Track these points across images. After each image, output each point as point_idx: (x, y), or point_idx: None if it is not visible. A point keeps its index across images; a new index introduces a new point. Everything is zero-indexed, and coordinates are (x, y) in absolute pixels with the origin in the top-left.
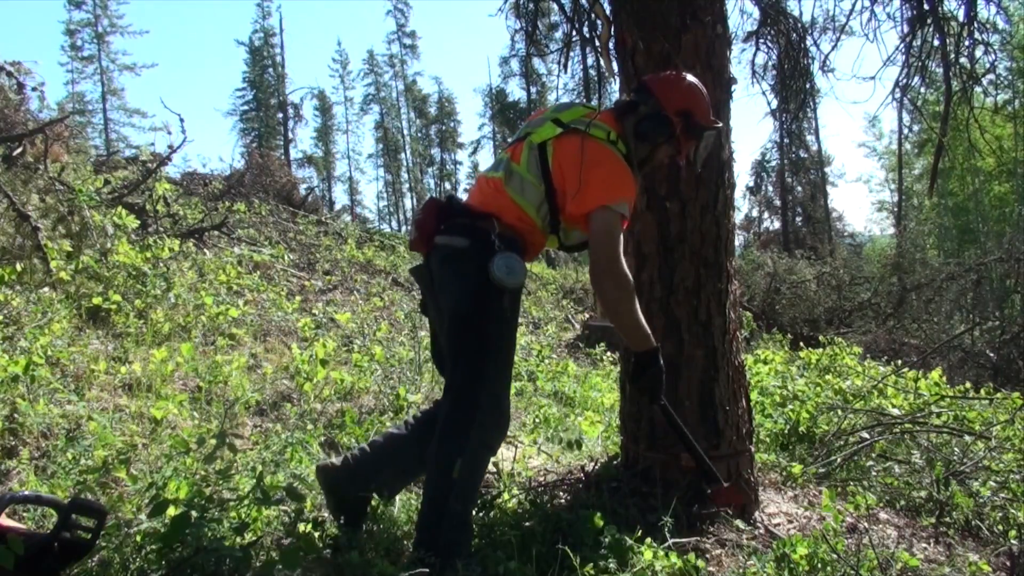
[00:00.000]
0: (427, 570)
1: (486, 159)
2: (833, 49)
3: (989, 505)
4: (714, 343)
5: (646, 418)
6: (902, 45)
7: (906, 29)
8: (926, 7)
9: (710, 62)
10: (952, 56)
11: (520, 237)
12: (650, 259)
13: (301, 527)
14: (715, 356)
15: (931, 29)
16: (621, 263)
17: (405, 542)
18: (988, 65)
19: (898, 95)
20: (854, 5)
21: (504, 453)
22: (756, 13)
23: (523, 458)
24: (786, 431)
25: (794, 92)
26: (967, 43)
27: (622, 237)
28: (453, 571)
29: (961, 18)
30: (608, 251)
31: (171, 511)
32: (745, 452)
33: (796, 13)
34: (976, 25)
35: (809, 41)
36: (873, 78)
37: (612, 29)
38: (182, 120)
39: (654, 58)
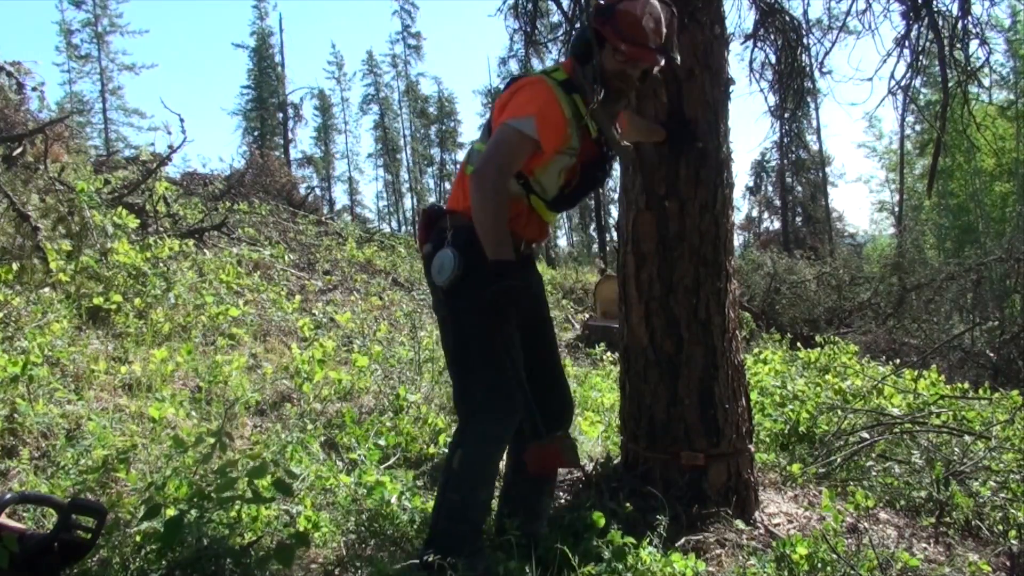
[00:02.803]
0: (426, 571)
1: None
2: (832, 47)
3: (989, 505)
4: (713, 341)
5: (646, 418)
6: (899, 40)
7: (901, 25)
8: (920, 1)
9: (708, 62)
10: (947, 50)
11: (467, 214)
12: (649, 258)
13: (301, 523)
14: (714, 355)
15: (925, 23)
16: (493, 170)
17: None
18: (983, 59)
19: (894, 87)
20: (852, 3)
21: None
22: (754, 14)
23: None
24: (786, 431)
25: (792, 91)
26: (961, 37)
27: (515, 152)
28: (453, 569)
29: (956, 12)
30: (488, 156)
31: (169, 511)
32: (745, 451)
33: (794, 13)
34: (970, 19)
35: (807, 39)
36: (871, 79)
37: None
38: (182, 120)
39: None
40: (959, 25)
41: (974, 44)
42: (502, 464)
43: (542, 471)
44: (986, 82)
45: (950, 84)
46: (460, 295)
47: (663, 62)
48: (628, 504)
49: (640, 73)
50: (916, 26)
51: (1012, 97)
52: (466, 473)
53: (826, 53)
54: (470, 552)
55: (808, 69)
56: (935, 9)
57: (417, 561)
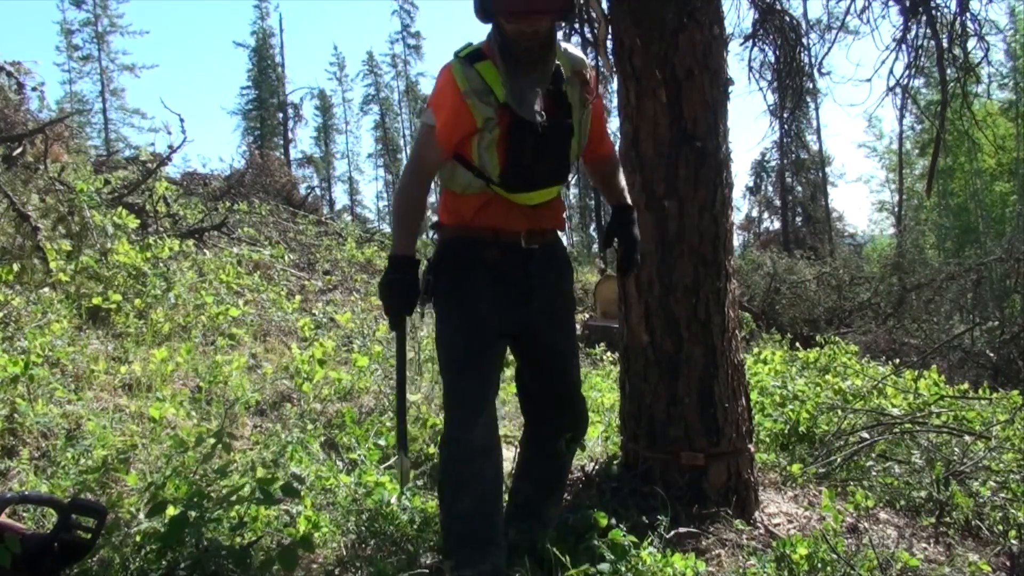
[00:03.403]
0: (426, 571)
1: None
2: (832, 46)
3: (989, 505)
4: (713, 341)
5: (646, 417)
6: (898, 38)
7: (900, 23)
8: None
9: (707, 63)
10: (945, 46)
11: (456, 224)
12: (649, 257)
13: (301, 524)
14: (714, 354)
15: (924, 20)
16: (409, 172)
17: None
18: (982, 54)
19: (894, 85)
20: (851, 2)
21: (504, 453)
22: (754, 13)
23: None
24: (786, 431)
25: (791, 90)
26: (960, 34)
27: (423, 146)
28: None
29: (954, 8)
30: (410, 157)
31: (170, 510)
32: (745, 450)
33: (794, 13)
34: (968, 16)
35: (807, 39)
36: (869, 80)
37: (609, 28)
38: (182, 120)
39: (652, 57)
40: (957, 22)
41: (972, 42)
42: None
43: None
44: (985, 79)
45: (950, 83)
46: (430, 299)
47: (560, 16)
48: (628, 504)
49: (547, 31)
50: (915, 25)
51: (1013, 97)
52: (445, 471)
53: (825, 53)
54: (468, 552)
55: (807, 68)
56: (933, 6)
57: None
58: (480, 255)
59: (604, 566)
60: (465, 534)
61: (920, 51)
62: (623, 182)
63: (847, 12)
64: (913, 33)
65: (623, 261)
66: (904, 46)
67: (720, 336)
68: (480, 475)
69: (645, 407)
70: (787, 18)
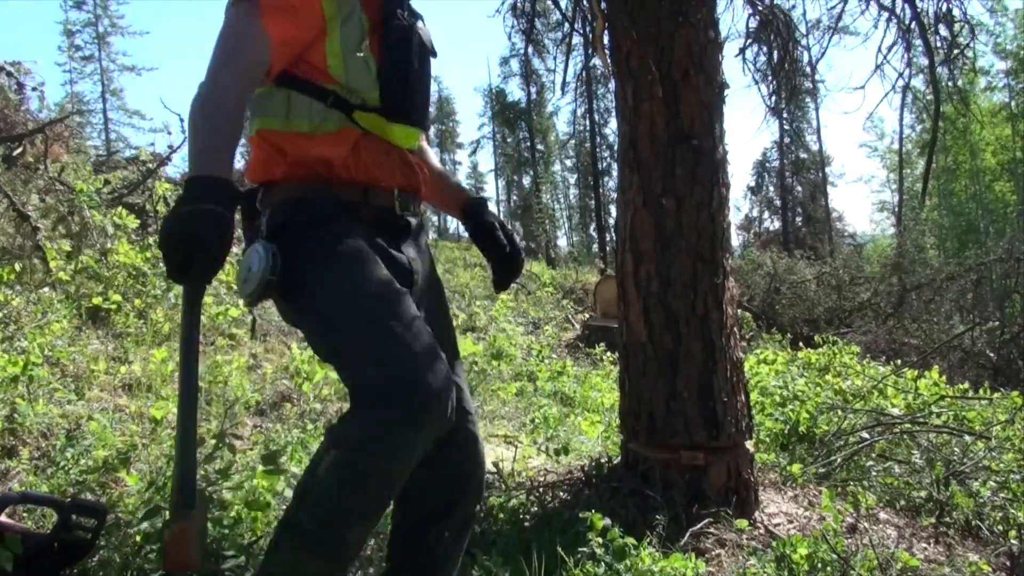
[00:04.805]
0: None
1: (486, 159)
2: (827, 47)
3: (989, 505)
4: (712, 336)
5: (645, 413)
6: (897, 35)
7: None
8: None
9: (702, 65)
10: (930, 31)
11: (305, 179)
12: (647, 255)
13: None
14: (713, 349)
15: (908, 15)
16: (220, 68)
17: None
18: (968, 36)
19: (881, 60)
20: (843, 3)
21: (504, 453)
22: (747, 8)
23: (523, 458)
24: (786, 431)
25: (787, 87)
26: (943, 15)
27: (251, 40)
28: None
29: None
30: (216, 58)
31: (168, 515)
32: (744, 447)
33: (793, 13)
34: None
35: (807, 39)
36: (863, 87)
37: (606, 24)
38: (182, 120)
39: (649, 58)
40: (943, 7)
41: (961, 37)
42: None
43: (172, 566)
44: (977, 67)
45: (950, 83)
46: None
47: None
48: (628, 504)
49: None
50: (895, 20)
51: (1007, 99)
52: (330, 491)
53: (822, 53)
54: None
55: (804, 67)
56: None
57: None
58: (348, 223)
59: (603, 567)
60: None
61: (907, 31)
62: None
63: (840, 15)
64: (904, 27)
65: (504, 273)
66: (901, 47)
67: (719, 332)
68: (389, 495)
69: (644, 403)
70: (784, 18)
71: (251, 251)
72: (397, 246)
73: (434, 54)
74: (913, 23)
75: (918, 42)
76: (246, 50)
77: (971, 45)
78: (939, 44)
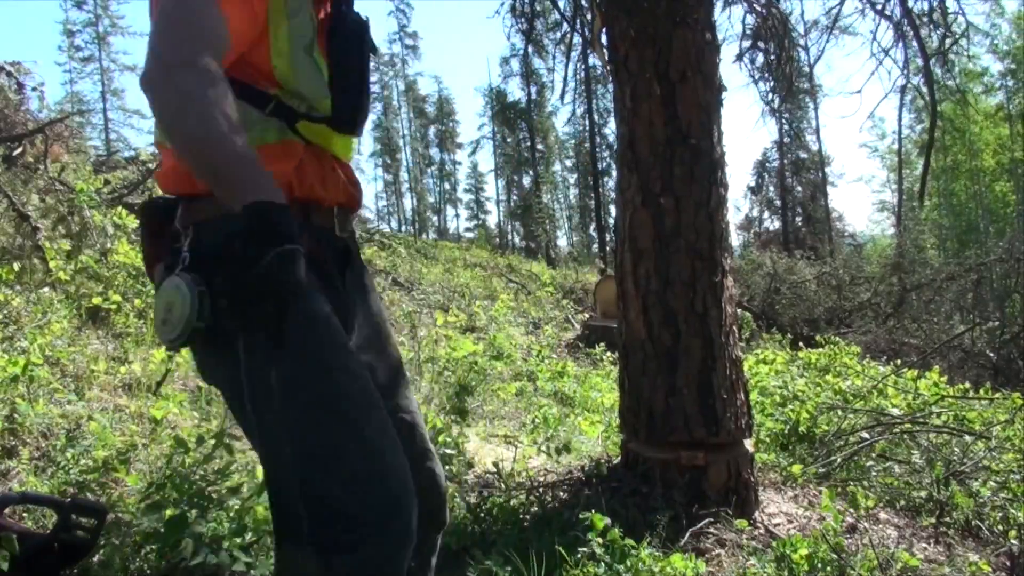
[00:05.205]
0: None
1: (486, 159)
2: (825, 47)
3: (989, 505)
4: (711, 334)
5: (645, 410)
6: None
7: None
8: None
9: (700, 66)
10: (920, 18)
11: (213, 196)
12: (646, 253)
13: None
14: (712, 346)
15: (899, 13)
16: (173, 54)
17: None
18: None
19: (879, 60)
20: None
21: (504, 453)
22: (743, 7)
23: (523, 458)
24: (786, 431)
25: (785, 86)
26: (937, 4)
27: (210, 17)
28: None
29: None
30: (157, 41)
31: (169, 511)
32: (743, 445)
33: (792, 14)
34: None
35: (805, 40)
36: (860, 91)
37: (604, 24)
38: None
39: (647, 60)
40: (934, 2)
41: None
42: None
43: None
44: (970, 57)
45: (948, 81)
46: (245, 329)
47: None
48: (628, 504)
49: None
50: (886, 18)
51: (1003, 100)
52: None
53: (820, 53)
54: None
55: (803, 67)
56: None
57: None
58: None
59: (603, 567)
60: None
61: (907, 40)
62: None
63: (837, 16)
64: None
65: None
66: (900, 47)
67: (718, 329)
68: None
69: (644, 400)
70: (778, 13)
71: (171, 285)
72: (341, 270)
73: (375, 51)
74: (904, 20)
75: (916, 43)
76: (216, 29)
77: (967, 35)
78: (931, 38)
